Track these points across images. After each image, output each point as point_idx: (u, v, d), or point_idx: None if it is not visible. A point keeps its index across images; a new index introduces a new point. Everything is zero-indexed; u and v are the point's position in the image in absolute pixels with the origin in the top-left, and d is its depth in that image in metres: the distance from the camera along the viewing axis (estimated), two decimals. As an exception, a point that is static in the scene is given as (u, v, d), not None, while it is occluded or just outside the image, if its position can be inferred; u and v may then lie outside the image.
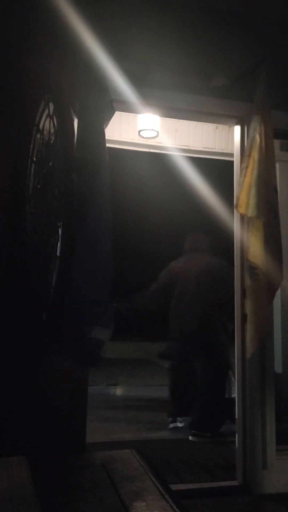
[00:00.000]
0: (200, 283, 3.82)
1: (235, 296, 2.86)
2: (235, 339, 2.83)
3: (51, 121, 1.85)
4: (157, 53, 2.72)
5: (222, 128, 3.84)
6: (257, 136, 2.64)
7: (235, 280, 2.87)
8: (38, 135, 1.78)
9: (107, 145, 1.94)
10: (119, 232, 2.01)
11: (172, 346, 4.05)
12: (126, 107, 2.68)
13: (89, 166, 1.84)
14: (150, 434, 3.84)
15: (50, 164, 1.89)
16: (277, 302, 3.46)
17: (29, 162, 1.70)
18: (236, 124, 2.95)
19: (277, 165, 2.98)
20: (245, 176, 2.64)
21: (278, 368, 3.64)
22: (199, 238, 4.13)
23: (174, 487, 1.34)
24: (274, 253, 2.63)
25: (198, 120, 3.38)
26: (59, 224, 1.89)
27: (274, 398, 2.75)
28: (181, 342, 3.87)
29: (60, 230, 1.88)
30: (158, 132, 3.72)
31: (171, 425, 3.93)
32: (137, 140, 3.76)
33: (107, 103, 1.96)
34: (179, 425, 3.92)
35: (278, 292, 2.92)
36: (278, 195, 2.74)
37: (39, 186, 1.81)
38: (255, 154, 2.63)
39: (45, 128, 1.81)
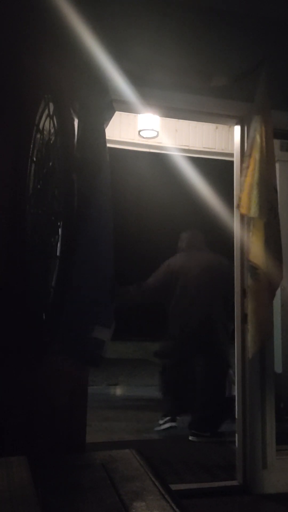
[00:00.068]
0: (201, 282, 3.81)
1: (235, 296, 2.86)
2: (235, 339, 2.83)
3: (51, 121, 1.85)
4: (157, 53, 2.72)
5: (222, 128, 3.84)
6: (258, 136, 2.64)
7: (235, 280, 2.87)
8: (38, 135, 1.78)
9: (107, 145, 1.94)
10: (119, 232, 2.01)
11: (169, 345, 4.01)
12: (126, 107, 2.68)
13: (89, 166, 1.85)
14: (150, 434, 3.84)
15: (50, 164, 1.89)
16: (277, 302, 3.45)
17: (29, 162, 1.70)
18: (236, 124, 2.95)
19: (277, 165, 2.99)
20: (246, 176, 2.64)
21: (278, 368, 3.64)
22: (196, 235, 4.11)
23: (174, 487, 1.34)
24: (274, 253, 2.63)
25: (198, 120, 3.38)
26: (59, 224, 1.89)
27: (274, 398, 2.75)
28: (181, 341, 3.86)
29: (60, 230, 1.88)
30: (158, 132, 3.72)
31: (168, 425, 3.85)
32: (137, 140, 3.76)
33: (107, 103, 1.96)
34: (175, 424, 3.86)
35: (278, 292, 2.92)
36: (278, 195, 2.74)
37: (39, 186, 1.81)
38: (256, 154, 2.63)
39: (45, 128, 1.81)
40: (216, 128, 3.88)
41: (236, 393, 2.83)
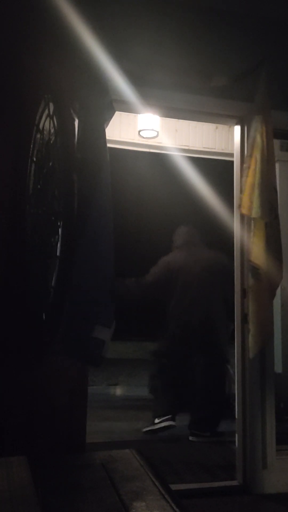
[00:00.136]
0: (202, 281, 3.79)
1: (235, 296, 2.86)
2: (235, 339, 2.83)
3: (51, 121, 1.85)
4: (157, 53, 2.72)
5: (222, 128, 3.84)
6: (259, 136, 2.64)
7: (235, 280, 2.87)
8: (38, 135, 1.78)
9: (107, 145, 1.94)
10: (119, 232, 2.01)
11: (168, 344, 3.98)
12: (126, 107, 2.68)
13: (90, 166, 1.85)
14: (150, 434, 3.83)
15: (50, 164, 1.89)
16: (277, 302, 3.46)
17: (29, 162, 1.70)
18: (236, 124, 2.95)
19: (277, 165, 2.99)
20: (247, 176, 2.63)
21: (278, 368, 3.64)
22: (192, 231, 4.09)
23: (174, 487, 1.34)
24: (274, 253, 2.63)
25: (198, 120, 3.39)
26: (59, 224, 1.89)
27: (274, 398, 2.75)
28: (181, 340, 3.84)
29: (60, 230, 1.88)
30: (158, 132, 3.72)
31: (165, 424, 3.70)
32: (137, 140, 3.76)
33: (107, 103, 1.96)
34: (174, 423, 3.73)
35: (278, 292, 2.92)
36: (278, 195, 2.74)
37: (39, 186, 1.80)
38: (257, 155, 2.63)
39: (45, 128, 1.81)
40: (216, 128, 3.89)
41: (236, 393, 2.83)
